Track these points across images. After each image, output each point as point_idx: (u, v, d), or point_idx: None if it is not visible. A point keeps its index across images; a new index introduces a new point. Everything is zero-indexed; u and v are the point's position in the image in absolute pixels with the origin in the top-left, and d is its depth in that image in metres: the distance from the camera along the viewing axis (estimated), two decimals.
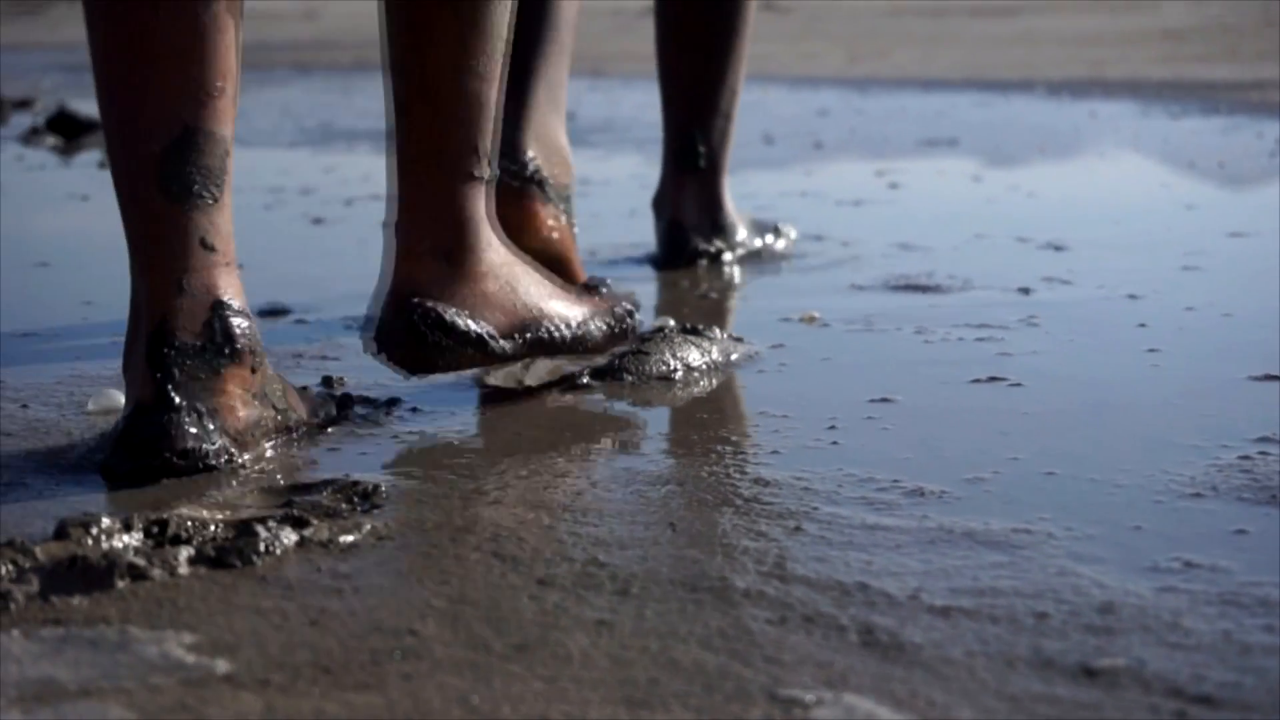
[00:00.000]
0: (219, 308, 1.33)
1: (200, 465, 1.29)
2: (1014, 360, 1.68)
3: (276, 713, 0.86)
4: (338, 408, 1.47)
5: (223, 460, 1.31)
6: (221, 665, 0.92)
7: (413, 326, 1.48)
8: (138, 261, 1.33)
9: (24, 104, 5.74)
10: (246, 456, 1.33)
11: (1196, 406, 1.48)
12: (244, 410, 1.34)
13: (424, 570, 1.08)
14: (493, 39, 1.50)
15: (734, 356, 1.70)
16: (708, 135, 2.33)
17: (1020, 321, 1.87)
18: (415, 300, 1.49)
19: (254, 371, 1.35)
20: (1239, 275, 2.16)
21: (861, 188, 3.30)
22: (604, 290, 1.69)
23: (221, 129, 1.34)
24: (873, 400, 1.53)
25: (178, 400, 1.30)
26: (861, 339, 1.83)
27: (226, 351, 1.33)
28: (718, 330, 1.74)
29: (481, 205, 1.52)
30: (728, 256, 2.34)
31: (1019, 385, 1.58)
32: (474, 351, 1.51)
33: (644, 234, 2.60)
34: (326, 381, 1.61)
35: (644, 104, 5.61)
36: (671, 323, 1.82)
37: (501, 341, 1.52)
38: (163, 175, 1.31)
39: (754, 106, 4.41)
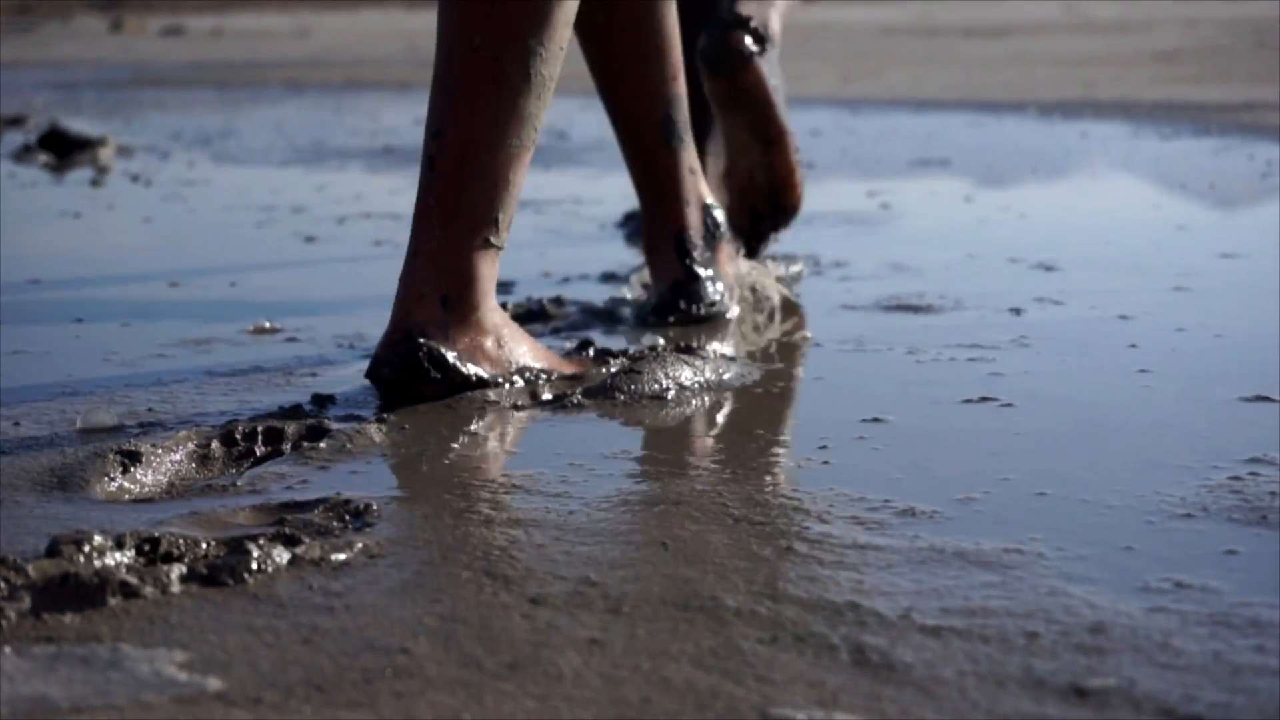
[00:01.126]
0: (708, 209, 2.08)
1: (721, 312, 2.05)
2: (1005, 380, 1.69)
3: None
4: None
5: (725, 304, 2.06)
6: (213, 683, 0.92)
7: (415, 361, 1.60)
8: (651, 195, 2.04)
9: (16, 122, 5.74)
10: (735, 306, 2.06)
11: (1187, 427, 1.48)
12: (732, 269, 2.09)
13: (416, 588, 1.08)
14: (530, 121, 1.66)
15: (726, 376, 1.70)
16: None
17: (1011, 342, 1.88)
18: (419, 340, 1.60)
19: (734, 246, 2.13)
20: (1230, 296, 2.17)
21: (853, 208, 3.31)
22: (589, 353, 1.79)
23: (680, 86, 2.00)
24: (864, 420, 1.53)
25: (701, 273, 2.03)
26: (853, 359, 1.83)
27: (717, 235, 2.07)
28: (710, 349, 1.74)
29: (491, 270, 1.66)
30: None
31: (1010, 406, 1.58)
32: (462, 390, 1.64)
33: (634, 253, 2.61)
34: (316, 400, 1.61)
35: None
36: (661, 341, 1.83)
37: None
38: (664, 131, 2.00)
39: None
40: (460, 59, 1.63)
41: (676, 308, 2.04)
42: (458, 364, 1.61)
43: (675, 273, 2.05)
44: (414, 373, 1.60)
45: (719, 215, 2.10)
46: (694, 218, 2.05)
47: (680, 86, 2.02)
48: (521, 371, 1.67)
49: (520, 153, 1.65)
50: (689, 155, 2.06)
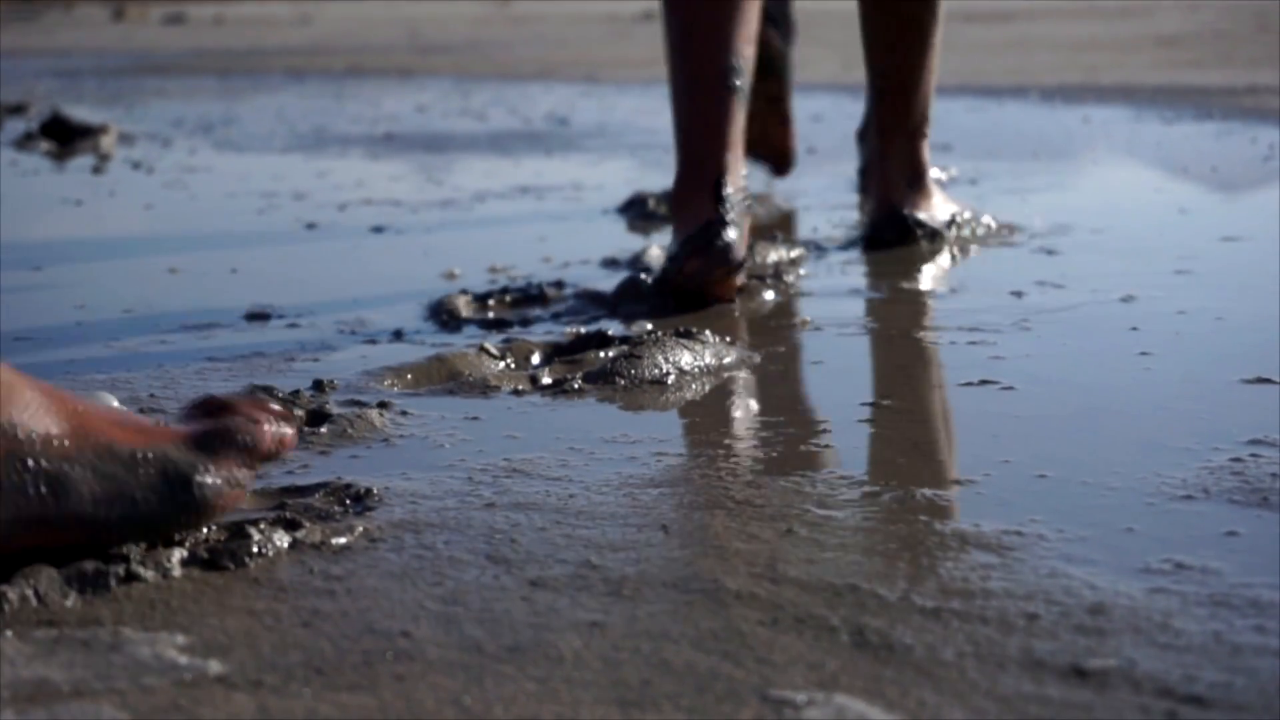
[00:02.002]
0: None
1: (740, 264, 2.04)
2: (1006, 363, 1.68)
3: (269, 713, 0.86)
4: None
5: (740, 257, 2.04)
6: (214, 666, 0.92)
7: (902, 222, 2.49)
8: (701, 134, 2.10)
9: (18, 109, 5.74)
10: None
11: (1188, 409, 1.48)
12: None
13: (417, 572, 1.08)
14: (934, 47, 2.48)
15: (726, 360, 1.70)
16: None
17: (1012, 325, 1.87)
18: (903, 211, 2.50)
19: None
20: (1231, 279, 2.17)
21: (855, 193, 3.30)
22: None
23: (751, 56, 2.15)
24: (865, 404, 1.53)
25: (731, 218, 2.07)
26: (854, 343, 1.83)
27: (746, 204, 2.10)
28: (710, 334, 1.74)
29: (926, 151, 2.53)
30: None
31: (1011, 388, 1.58)
32: (924, 235, 2.50)
33: (636, 238, 2.61)
34: (318, 385, 1.61)
35: (637, 109, 5.62)
36: (649, 326, 1.83)
37: (944, 231, 2.52)
38: (730, 77, 2.11)
39: None
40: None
41: (703, 244, 2.00)
42: (926, 220, 2.49)
43: (708, 212, 2.03)
44: (904, 230, 2.48)
45: (747, 188, 2.12)
46: (736, 170, 2.06)
47: (751, 52, 2.11)
48: (949, 219, 2.55)
49: (932, 71, 2.49)
50: (744, 115, 2.11)
